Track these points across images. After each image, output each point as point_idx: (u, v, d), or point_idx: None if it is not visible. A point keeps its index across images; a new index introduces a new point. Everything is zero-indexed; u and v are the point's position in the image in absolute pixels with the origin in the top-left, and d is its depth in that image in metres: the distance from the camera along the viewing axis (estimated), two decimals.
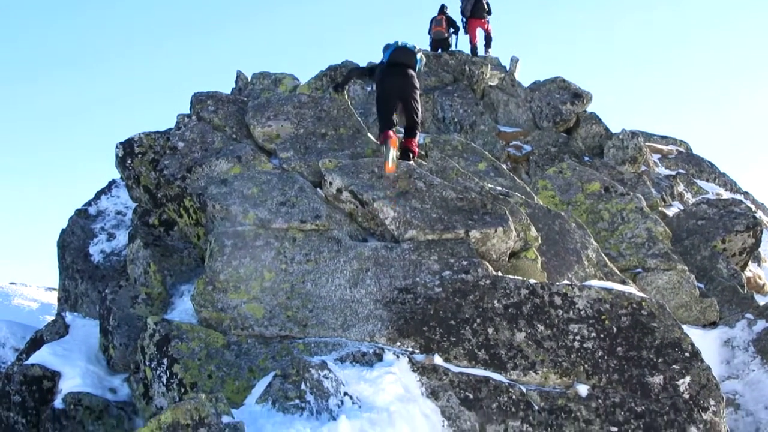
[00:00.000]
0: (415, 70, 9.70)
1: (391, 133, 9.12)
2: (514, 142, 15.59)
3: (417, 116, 9.48)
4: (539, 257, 7.95)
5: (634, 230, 10.55)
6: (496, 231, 7.40)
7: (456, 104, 16.24)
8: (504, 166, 11.56)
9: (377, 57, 10.12)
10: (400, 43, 9.54)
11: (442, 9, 19.29)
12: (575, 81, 17.11)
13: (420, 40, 10.21)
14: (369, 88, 17.13)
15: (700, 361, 6.34)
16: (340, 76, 17.69)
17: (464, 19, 19.46)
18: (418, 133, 10.15)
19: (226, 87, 20.34)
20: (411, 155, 9.30)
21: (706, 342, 9.02)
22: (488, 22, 19.71)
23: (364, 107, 15.74)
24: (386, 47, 9.81)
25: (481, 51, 19.50)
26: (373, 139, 9.51)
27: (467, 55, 18.40)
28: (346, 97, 10.08)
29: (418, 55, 9.71)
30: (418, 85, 9.52)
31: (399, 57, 9.45)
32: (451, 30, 19.17)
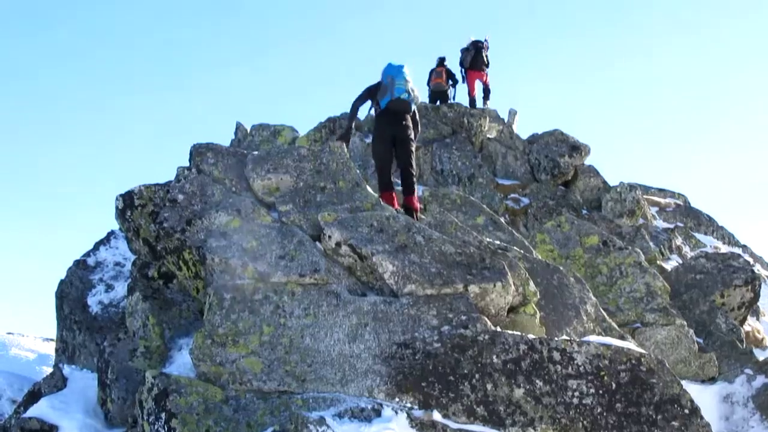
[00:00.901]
0: (411, 113, 10.03)
1: (392, 195, 9.40)
2: (513, 195, 15.75)
3: (412, 168, 9.79)
4: (538, 312, 8.02)
5: (633, 285, 10.63)
6: (494, 286, 7.48)
7: (454, 156, 16.42)
8: (502, 220, 11.68)
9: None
10: (395, 94, 9.88)
11: (442, 61, 19.55)
12: (573, 133, 17.34)
13: (419, 92, 10.32)
14: (368, 140, 17.33)
15: (700, 417, 6.38)
16: (339, 127, 17.92)
17: (463, 71, 19.75)
18: (416, 185, 10.33)
19: (226, 137, 20.54)
20: (414, 213, 9.50)
21: (705, 398, 9.04)
22: (487, 74, 19.99)
23: (362, 159, 15.91)
24: (386, 70, 10.11)
25: (479, 103, 19.75)
26: (372, 192, 9.63)
27: (466, 107, 18.62)
28: (345, 149, 10.22)
29: (412, 105, 9.99)
30: (412, 135, 9.93)
31: (395, 106, 9.92)
32: (450, 82, 19.42)
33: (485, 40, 19.90)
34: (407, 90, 10.02)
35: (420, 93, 10.42)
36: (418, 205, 9.93)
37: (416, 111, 10.47)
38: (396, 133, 10.09)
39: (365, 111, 10.64)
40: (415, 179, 10.16)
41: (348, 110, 10.68)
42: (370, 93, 10.34)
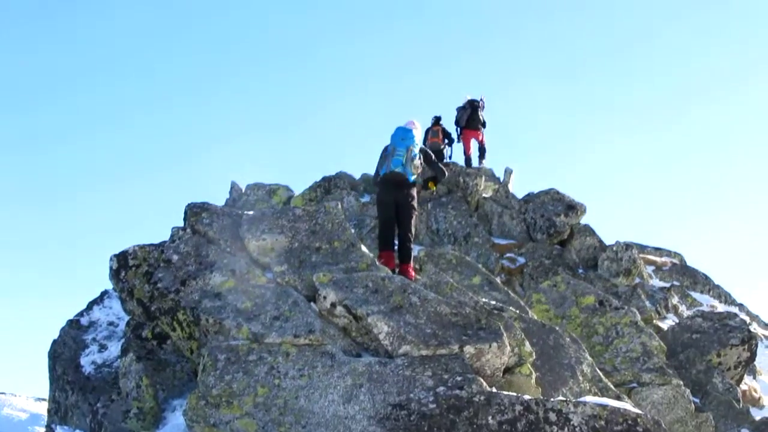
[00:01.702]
0: (410, 183, 10.17)
1: (391, 255, 9.55)
2: (509, 254, 15.83)
3: (411, 234, 9.94)
4: (534, 372, 8.06)
5: (629, 344, 10.67)
6: (490, 346, 7.53)
7: (450, 216, 16.54)
8: (498, 279, 11.77)
9: (371, 166, 10.53)
10: (390, 167, 10.07)
11: (437, 120, 19.74)
12: (569, 192, 17.49)
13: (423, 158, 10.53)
14: (363, 199, 17.48)
15: None
16: (333, 187, 18.09)
17: (459, 130, 19.94)
18: (412, 251, 10.44)
19: (221, 197, 20.66)
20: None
21: None
22: (483, 133, 20.18)
23: (357, 219, 16.02)
24: (393, 135, 10.30)
25: (475, 162, 19.90)
26: (367, 252, 9.72)
27: (461, 166, 18.76)
28: (341, 209, 10.34)
29: (411, 177, 10.12)
30: (413, 201, 10.08)
31: (389, 178, 10.13)
32: (446, 141, 19.57)
33: (481, 99, 20.13)
34: (404, 162, 10.19)
35: (421, 161, 10.51)
36: (413, 274, 10.03)
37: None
38: (397, 199, 10.27)
39: None
40: (411, 245, 10.29)
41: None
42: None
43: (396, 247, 10.41)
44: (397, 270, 10.07)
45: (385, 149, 10.50)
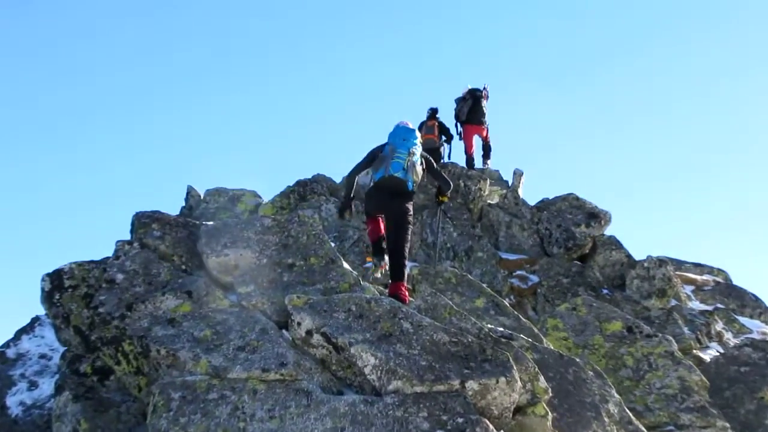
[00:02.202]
0: (408, 193, 10.15)
1: (378, 222, 9.69)
2: (519, 272, 15.85)
3: (404, 251, 9.93)
4: (550, 413, 8.06)
5: (664, 379, 10.69)
6: (497, 382, 7.53)
7: (449, 227, 16.56)
8: (506, 302, 11.76)
9: (349, 166, 10.53)
10: (389, 171, 10.03)
11: (433, 113, 19.72)
12: (591, 198, 17.52)
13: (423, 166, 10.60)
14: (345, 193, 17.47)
15: None
16: (309, 192, 18.08)
17: (459, 126, 19.95)
18: (406, 270, 10.44)
19: (175, 204, 20.62)
20: (401, 300, 9.63)
21: None
22: (487, 129, 20.19)
23: (338, 230, 16.03)
24: (393, 134, 10.31)
25: (478, 163, 19.95)
26: (350, 270, 9.73)
27: (462, 167, 18.76)
28: (318, 219, 10.36)
29: (410, 185, 10.12)
30: (409, 215, 10.07)
31: (386, 184, 10.06)
32: (443, 138, 19.56)
33: (484, 89, 20.16)
34: (405, 167, 10.15)
35: (423, 167, 10.56)
36: (406, 295, 10.04)
37: (438, 170, 10.80)
38: (386, 208, 10.21)
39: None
40: (405, 262, 10.28)
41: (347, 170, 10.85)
42: (374, 158, 10.49)
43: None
44: (383, 269, 10.14)
45: (381, 149, 10.42)
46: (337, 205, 17.18)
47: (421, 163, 10.38)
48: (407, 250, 10.17)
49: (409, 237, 10.24)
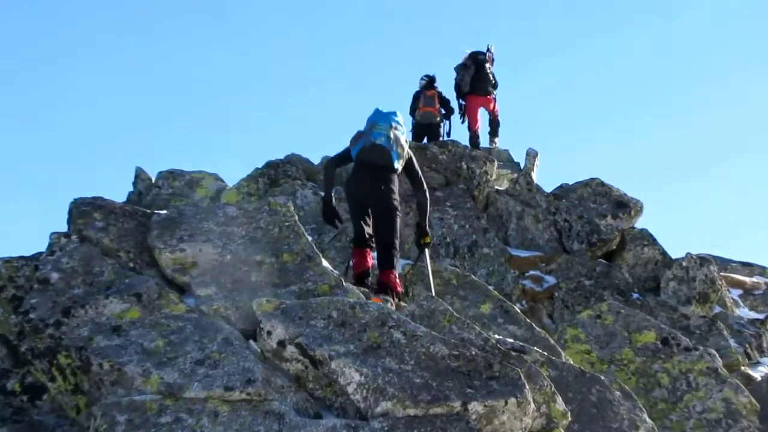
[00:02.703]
0: (393, 169, 10.26)
1: (365, 253, 9.72)
2: (532, 272, 15.87)
3: (393, 244, 10.06)
4: None
5: (706, 401, 10.71)
6: (506, 403, 7.53)
7: (449, 217, 16.56)
8: (517, 308, 11.79)
9: (331, 148, 10.58)
10: (370, 139, 10.15)
11: (431, 82, 19.69)
12: (618, 183, 17.54)
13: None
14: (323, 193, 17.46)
15: None
16: (282, 175, 18.07)
17: (460, 99, 19.94)
18: (397, 260, 10.49)
19: (121, 190, 20.54)
20: (391, 295, 9.66)
21: None
22: (495, 100, 20.20)
23: (317, 221, 16.02)
24: (370, 117, 10.45)
25: (484, 141, 19.96)
26: (331, 268, 9.73)
27: (465, 146, 18.75)
28: (292, 208, 10.35)
29: (397, 149, 10.21)
30: (394, 198, 10.16)
31: (367, 156, 10.19)
32: (443, 111, 19.55)
33: (488, 51, 20.15)
34: (388, 135, 10.27)
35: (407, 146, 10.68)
36: (398, 285, 10.08)
37: (417, 171, 10.80)
38: (367, 197, 10.40)
39: None
40: (396, 253, 10.36)
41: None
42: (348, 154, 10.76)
43: (373, 246, 10.57)
44: (371, 277, 10.19)
45: (358, 133, 10.64)
46: (316, 191, 17.16)
47: (405, 151, 10.53)
48: (397, 241, 10.30)
49: (398, 226, 10.38)
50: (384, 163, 10.35)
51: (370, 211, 10.61)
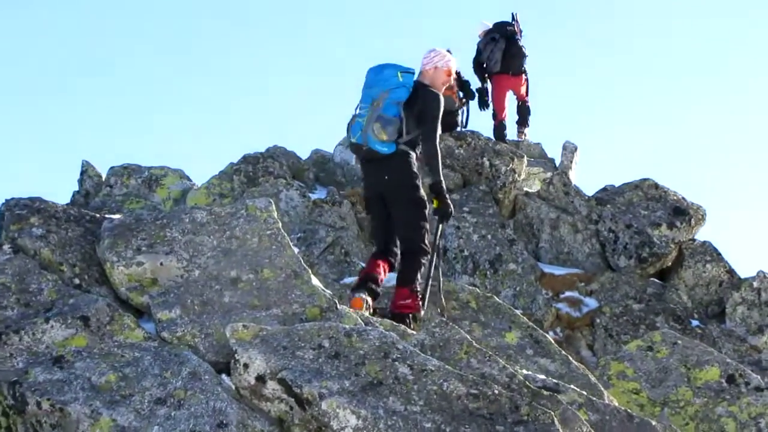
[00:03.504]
0: (390, 156, 10.39)
1: (378, 263, 9.84)
2: (569, 293, 15.88)
3: (413, 243, 10.25)
4: None
5: None
6: None
7: (467, 225, 16.59)
8: (550, 337, 11.80)
9: (322, 138, 10.68)
10: (350, 137, 10.39)
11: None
12: (676, 186, 17.58)
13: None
14: (313, 195, 17.46)
15: None
16: (262, 172, 18.08)
17: (484, 80, 19.93)
18: (420, 270, 10.58)
19: (65, 189, 20.59)
20: (403, 318, 9.75)
21: None
22: (527, 81, 20.21)
23: (305, 228, 16.05)
24: (366, 78, 10.70)
25: (511, 132, 19.98)
26: (322, 288, 9.74)
27: (488, 138, 18.78)
28: (275, 211, 10.37)
29: (376, 134, 10.34)
30: (405, 189, 10.32)
31: (357, 154, 10.48)
32: (461, 96, 19.54)
33: (515, 21, 20.15)
34: (364, 126, 10.43)
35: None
36: (413, 307, 10.16)
37: (427, 119, 10.84)
38: (376, 189, 10.61)
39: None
40: (418, 260, 10.51)
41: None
42: None
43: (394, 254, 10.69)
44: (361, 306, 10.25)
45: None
46: (304, 193, 17.19)
47: (399, 111, 10.59)
48: (424, 244, 10.40)
49: (422, 224, 10.47)
50: (372, 156, 10.50)
51: (384, 203, 10.75)
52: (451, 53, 19.66)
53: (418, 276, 10.79)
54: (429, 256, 10.88)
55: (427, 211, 10.82)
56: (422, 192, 10.79)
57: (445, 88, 18.99)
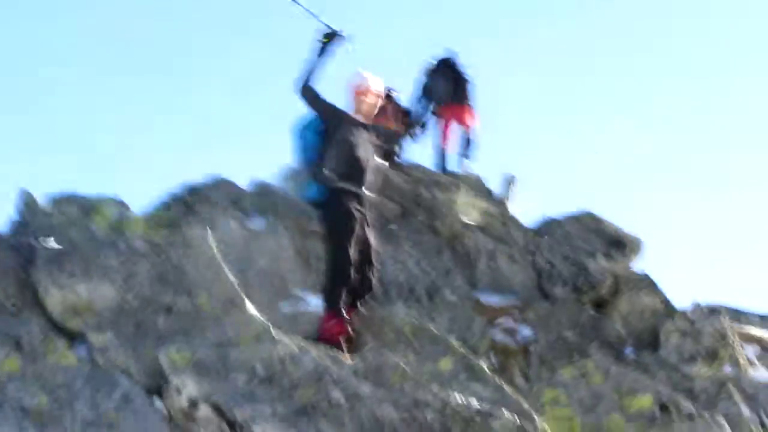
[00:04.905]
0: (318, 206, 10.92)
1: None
2: (505, 322, 15.94)
3: (328, 268, 10.57)
4: None
5: None
6: None
7: (404, 254, 16.62)
8: (484, 365, 11.85)
9: (259, 170, 10.74)
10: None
11: (387, 93, 19.69)
12: (614, 217, 17.66)
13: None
14: (251, 224, 17.49)
15: None
16: (201, 201, 18.08)
17: (431, 107, 19.99)
18: (338, 297, 10.75)
19: (0, 217, 20.46)
20: (336, 343, 9.88)
21: None
22: (473, 111, 20.28)
23: (242, 256, 16.07)
24: None
25: (452, 163, 20.03)
26: (257, 315, 9.78)
27: (427, 170, 18.83)
28: (212, 241, 10.41)
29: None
30: (326, 229, 10.77)
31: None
32: (408, 128, 19.53)
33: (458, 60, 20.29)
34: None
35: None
36: (333, 328, 10.30)
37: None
38: None
39: None
40: (337, 286, 10.67)
41: None
42: None
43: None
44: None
45: None
46: (242, 222, 17.22)
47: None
48: (331, 267, 10.67)
49: (331, 250, 10.75)
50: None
51: None
52: (392, 89, 19.83)
53: (341, 300, 10.98)
54: (345, 277, 11.17)
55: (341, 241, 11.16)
56: (341, 218, 11.24)
57: (380, 116, 19.11)
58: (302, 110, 11.52)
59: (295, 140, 11.39)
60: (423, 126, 19.97)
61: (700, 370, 14.75)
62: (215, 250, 10.23)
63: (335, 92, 11.64)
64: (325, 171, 11.04)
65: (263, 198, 18.86)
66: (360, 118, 11.62)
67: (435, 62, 20.21)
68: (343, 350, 10.37)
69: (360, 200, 11.41)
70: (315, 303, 11.08)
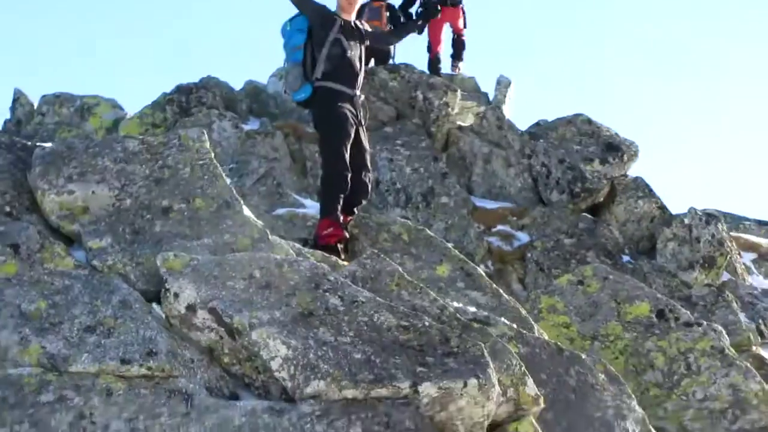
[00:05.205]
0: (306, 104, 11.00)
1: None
2: (501, 227, 15.93)
3: (324, 172, 10.70)
4: None
5: (709, 388, 10.80)
6: (465, 385, 7.57)
7: (400, 159, 16.57)
8: (482, 270, 11.83)
9: (256, 69, 10.70)
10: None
11: None
12: (609, 122, 17.62)
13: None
14: (246, 126, 17.43)
15: None
16: (195, 103, 17.98)
17: (420, 9, 19.82)
18: (334, 203, 10.76)
19: None
20: (332, 249, 9.86)
21: None
22: (464, 12, 20.14)
23: (238, 158, 15.99)
24: None
25: (446, 66, 19.94)
26: (254, 218, 9.73)
27: (421, 72, 18.73)
28: (207, 141, 10.32)
29: (293, 85, 10.83)
30: (318, 126, 10.89)
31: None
32: (394, 29, 19.41)
33: None
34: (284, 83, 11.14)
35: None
36: (329, 234, 10.32)
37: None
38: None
39: None
40: (332, 192, 10.72)
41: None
42: None
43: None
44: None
45: None
46: (236, 124, 17.12)
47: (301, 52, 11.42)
48: (329, 172, 10.72)
49: (330, 154, 10.79)
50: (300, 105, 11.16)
51: None
52: None
53: (338, 205, 11.17)
54: (343, 183, 11.20)
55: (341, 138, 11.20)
56: (335, 121, 11.17)
57: (373, 18, 18.99)
58: (292, 11, 11.47)
59: (285, 41, 11.35)
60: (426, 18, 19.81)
61: (698, 278, 14.77)
62: (211, 152, 10.14)
63: None
64: (316, 71, 11.09)
65: (256, 99, 18.79)
66: (348, 16, 11.56)
67: None
68: (340, 256, 10.37)
69: (352, 102, 11.39)
70: (311, 205, 11.04)
